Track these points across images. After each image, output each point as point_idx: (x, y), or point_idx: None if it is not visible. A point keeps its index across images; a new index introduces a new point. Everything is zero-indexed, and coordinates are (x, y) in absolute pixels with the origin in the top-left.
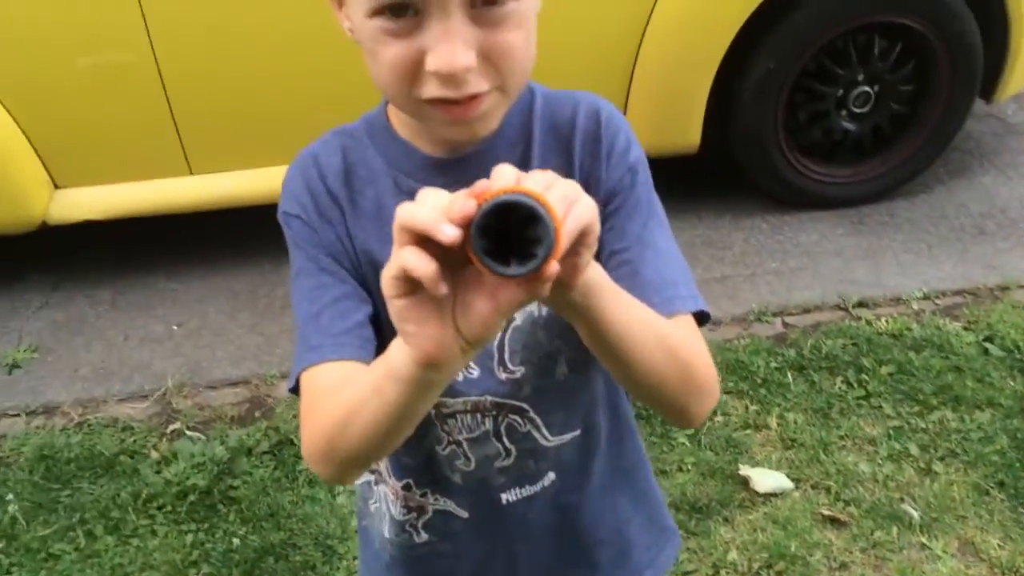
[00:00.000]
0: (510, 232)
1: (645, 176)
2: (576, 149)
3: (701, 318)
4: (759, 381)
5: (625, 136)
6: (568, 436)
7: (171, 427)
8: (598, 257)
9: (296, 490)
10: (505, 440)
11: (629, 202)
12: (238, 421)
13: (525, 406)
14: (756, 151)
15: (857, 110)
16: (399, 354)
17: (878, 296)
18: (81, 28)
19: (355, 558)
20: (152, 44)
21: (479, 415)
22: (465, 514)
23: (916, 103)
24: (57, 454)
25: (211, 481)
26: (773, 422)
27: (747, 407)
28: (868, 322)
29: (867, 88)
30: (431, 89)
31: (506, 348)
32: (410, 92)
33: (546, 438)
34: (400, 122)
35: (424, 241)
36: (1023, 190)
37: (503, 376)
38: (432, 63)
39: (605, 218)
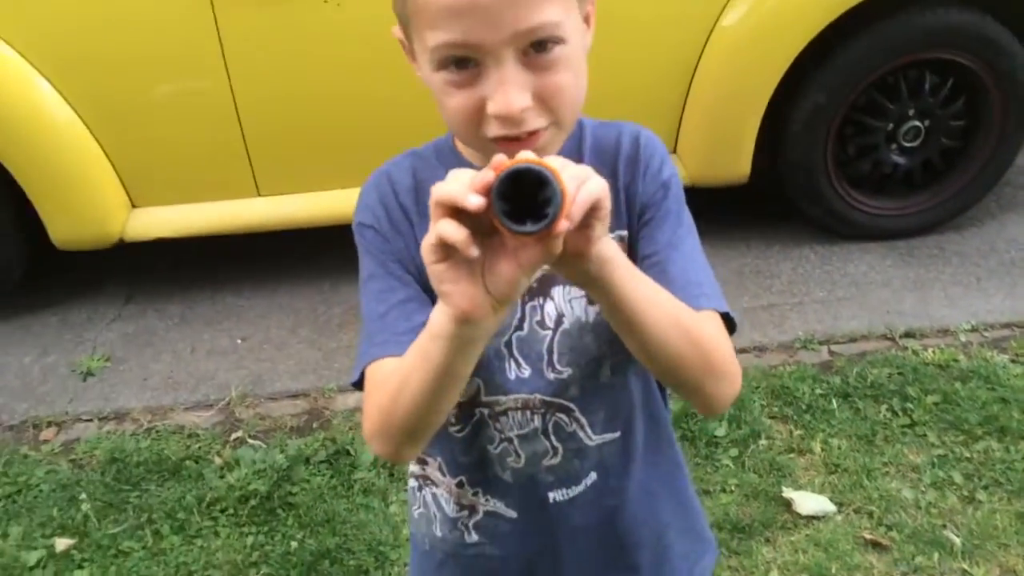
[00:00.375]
0: (527, 200)
1: (677, 192)
2: (620, 169)
3: (728, 325)
4: (804, 407)
5: (660, 157)
6: (609, 436)
7: (234, 435)
8: (634, 261)
9: (351, 498)
10: (552, 438)
11: (660, 213)
12: (297, 431)
13: (571, 405)
14: (806, 182)
15: (907, 144)
16: (439, 316)
17: (925, 327)
18: (162, 56)
19: (406, 564)
20: (228, 73)
21: (529, 412)
22: (514, 514)
23: (967, 137)
24: (127, 457)
25: (271, 487)
26: (817, 447)
27: (791, 432)
28: (915, 352)
29: (917, 123)
30: (494, 129)
31: (555, 350)
32: (476, 132)
33: (589, 437)
34: (465, 148)
35: (456, 213)
36: None
37: (551, 376)
38: (492, 107)
39: (640, 227)
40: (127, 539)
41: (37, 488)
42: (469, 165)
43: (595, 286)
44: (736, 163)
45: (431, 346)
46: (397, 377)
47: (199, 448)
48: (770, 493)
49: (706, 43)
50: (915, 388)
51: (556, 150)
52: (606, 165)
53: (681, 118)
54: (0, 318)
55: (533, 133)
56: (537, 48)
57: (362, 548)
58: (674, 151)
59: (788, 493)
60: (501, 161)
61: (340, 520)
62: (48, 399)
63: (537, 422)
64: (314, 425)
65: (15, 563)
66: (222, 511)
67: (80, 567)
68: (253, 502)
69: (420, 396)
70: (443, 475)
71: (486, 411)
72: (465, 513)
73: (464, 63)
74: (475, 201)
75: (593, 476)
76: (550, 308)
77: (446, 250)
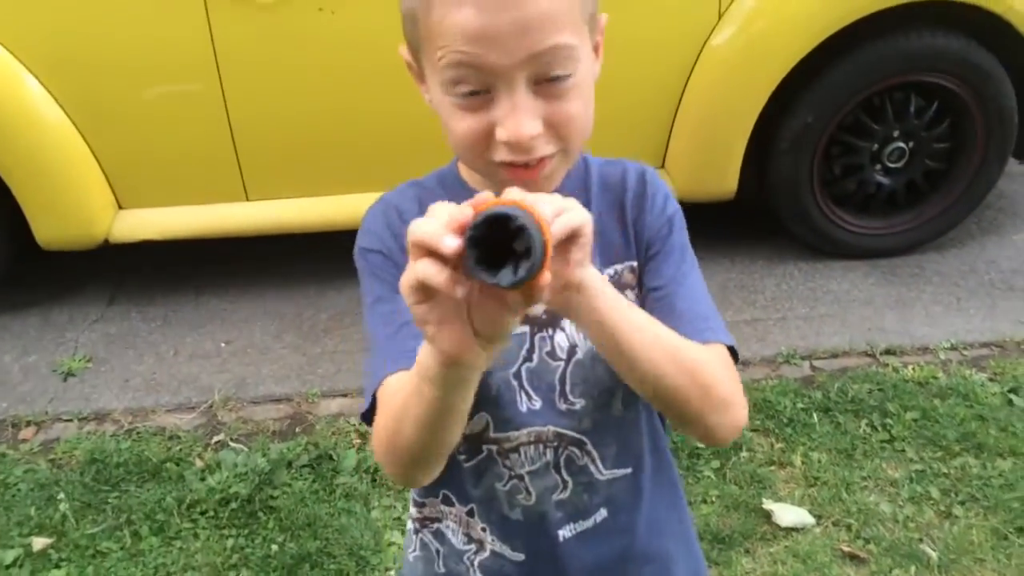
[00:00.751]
0: (508, 241)
1: (681, 227)
2: (627, 205)
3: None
4: (785, 420)
5: (664, 194)
6: (620, 472)
7: (215, 438)
8: (640, 295)
9: (333, 502)
10: (563, 472)
11: (666, 247)
12: (279, 435)
13: (584, 438)
14: (791, 200)
15: (892, 165)
16: (426, 357)
17: (906, 344)
18: (154, 58)
19: (387, 569)
20: (220, 77)
21: (541, 446)
22: (521, 556)
23: (951, 160)
24: (107, 458)
25: (252, 490)
26: (797, 460)
27: (772, 445)
28: (895, 369)
29: (902, 144)
30: (501, 154)
31: (568, 381)
32: (483, 156)
33: (600, 471)
34: (470, 175)
35: (434, 253)
36: None
37: (564, 408)
38: (502, 134)
39: (646, 261)
40: (105, 539)
41: (15, 487)
42: (475, 193)
43: (579, 314)
44: (723, 180)
45: (423, 386)
46: (397, 403)
47: (180, 450)
48: (750, 505)
49: (696, 62)
50: (895, 404)
51: (561, 177)
52: (614, 201)
53: (670, 134)
54: None
55: (541, 160)
56: (550, 80)
57: (343, 552)
58: (662, 166)
59: (768, 505)
60: (483, 200)
61: (321, 524)
62: (28, 398)
63: (549, 456)
64: (297, 429)
65: None
66: (202, 513)
67: (57, 567)
68: (234, 505)
69: (419, 430)
70: (450, 505)
71: (494, 448)
72: (473, 548)
73: (475, 91)
74: (451, 244)
75: (603, 512)
76: (560, 339)
77: (427, 291)
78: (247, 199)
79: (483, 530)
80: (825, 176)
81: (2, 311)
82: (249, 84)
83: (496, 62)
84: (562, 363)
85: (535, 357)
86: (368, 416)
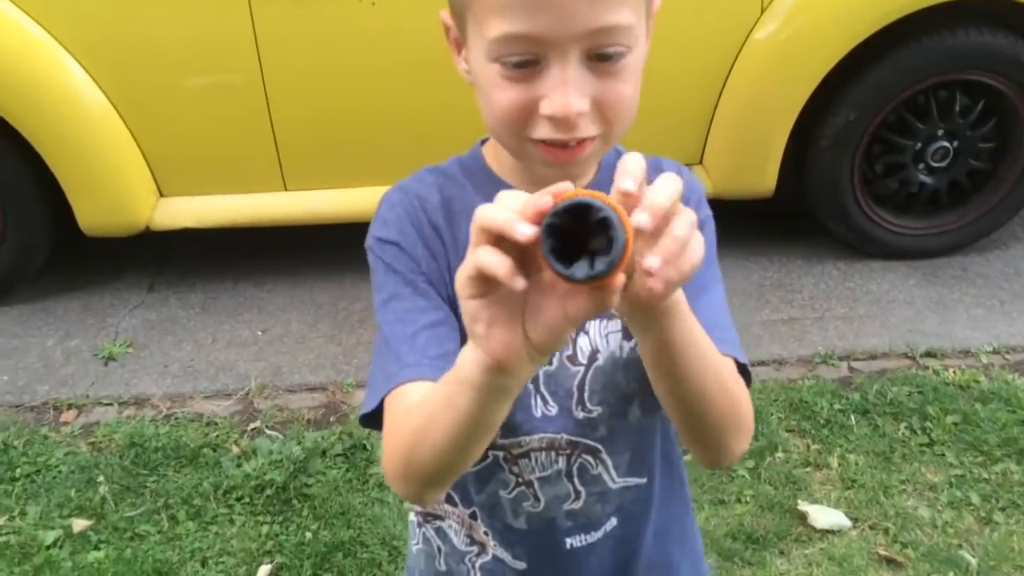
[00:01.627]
0: (582, 240)
1: (710, 234)
2: None
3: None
4: (822, 422)
5: (697, 198)
6: (633, 481)
7: (251, 425)
8: None
9: (366, 492)
10: (576, 481)
11: None
12: (314, 424)
13: (599, 446)
14: (831, 198)
15: (935, 164)
16: (469, 360)
17: (947, 347)
18: (197, 47)
19: None
20: (261, 67)
21: (553, 453)
22: (522, 565)
23: (996, 160)
24: (146, 443)
25: (287, 478)
26: (834, 462)
27: (808, 446)
28: (935, 372)
29: (946, 143)
30: (543, 131)
31: (586, 388)
32: (520, 132)
33: (613, 480)
34: (497, 163)
35: (500, 241)
36: None
37: (581, 415)
38: (548, 107)
39: None
40: (143, 523)
41: (56, 469)
42: (501, 183)
43: (650, 330)
44: (762, 177)
45: (457, 393)
46: (419, 416)
47: (217, 436)
48: (785, 505)
49: (737, 56)
50: (935, 407)
51: (594, 165)
52: None
53: (709, 129)
54: (25, 300)
55: (582, 142)
56: (603, 58)
57: (376, 542)
58: (700, 162)
59: (804, 506)
60: (561, 189)
61: (355, 513)
62: (69, 382)
63: (561, 464)
64: (331, 419)
65: (32, 542)
66: (238, 499)
67: (96, 548)
68: (269, 492)
69: (445, 444)
70: (454, 506)
71: (501, 454)
72: (475, 550)
73: (525, 62)
74: (525, 231)
75: (613, 522)
76: (583, 343)
77: (485, 284)
78: (285, 189)
79: (485, 534)
80: (866, 174)
81: (46, 296)
82: (290, 75)
83: (553, 31)
84: (582, 368)
85: (555, 361)
86: (369, 419)
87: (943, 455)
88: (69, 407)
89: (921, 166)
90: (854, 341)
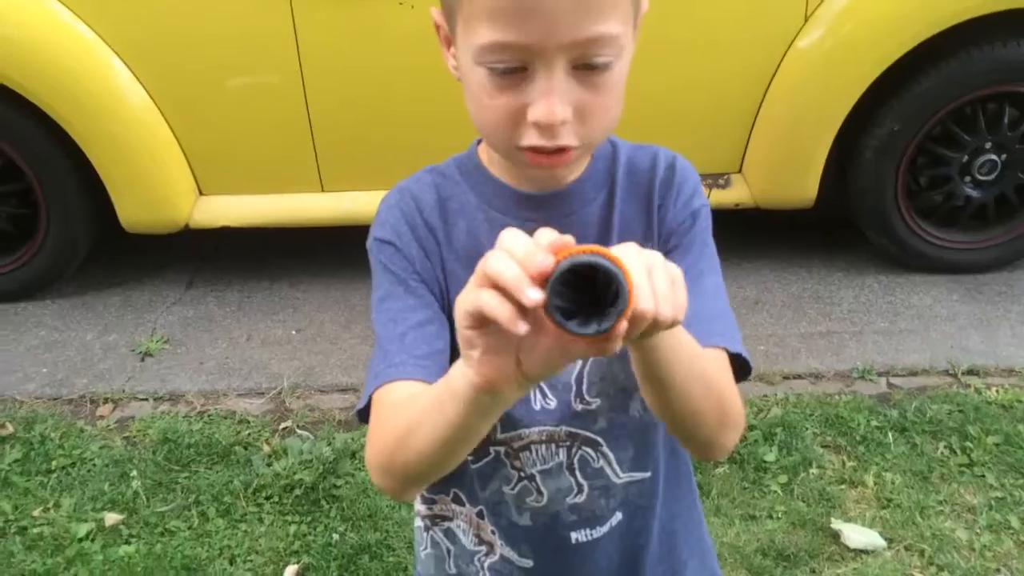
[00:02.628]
0: (583, 289)
1: (706, 223)
2: (655, 193)
3: (743, 367)
4: (858, 438)
5: (693, 185)
6: (638, 475)
7: (283, 424)
8: None
9: None
10: (578, 474)
11: (686, 241)
12: (345, 425)
13: (599, 439)
14: (874, 210)
15: (982, 177)
16: (460, 376)
17: (990, 365)
18: (238, 48)
19: None
20: (301, 69)
21: (553, 445)
22: (529, 562)
23: None
24: (179, 439)
25: (316, 478)
26: (870, 480)
27: (844, 463)
28: (977, 390)
29: (994, 156)
30: (529, 138)
31: (584, 380)
32: (508, 137)
33: (617, 475)
34: (492, 161)
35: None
36: None
37: (579, 407)
38: (533, 114)
39: (665, 255)
40: (174, 518)
41: (91, 462)
42: (495, 181)
43: (640, 349)
44: (803, 186)
45: (447, 403)
46: (406, 417)
47: (249, 435)
48: (818, 523)
49: (780, 63)
50: (976, 427)
51: (580, 170)
52: (640, 187)
53: (749, 138)
54: (66, 295)
55: (564, 150)
56: (589, 67)
57: (402, 545)
58: (739, 170)
59: (837, 524)
60: (564, 245)
61: (382, 516)
62: (107, 376)
63: (562, 456)
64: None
65: (65, 534)
66: (267, 498)
67: (127, 543)
68: (298, 492)
69: (429, 447)
70: (461, 505)
71: (502, 449)
72: (483, 549)
73: (512, 69)
74: (534, 297)
75: (619, 516)
76: None
77: (484, 320)
78: (323, 190)
79: (493, 533)
80: (910, 187)
81: (86, 291)
82: (329, 77)
83: (540, 41)
84: (580, 361)
85: None
86: (363, 415)
87: (983, 476)
88: (105, 401)
89: (967, 179)
90: (894, 356)
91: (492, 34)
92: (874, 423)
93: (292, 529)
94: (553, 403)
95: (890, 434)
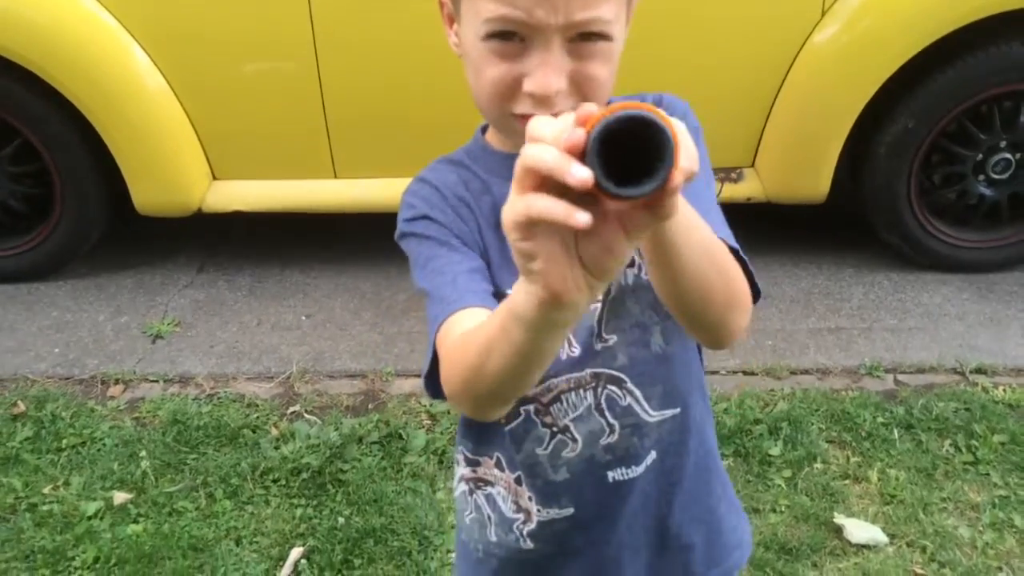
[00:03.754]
0: (620, 156)
1: (700, 141)
2: None
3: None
4: (864, 434)
5: (683, 109)
6: (669, 412)
7: (291, 409)
8: None
9: (400, 481)
10: (607, 415)
11: None
12: (352, 410)
13: (622, 376)
14: (886, 207)
15: (996, 176)
16: (523, 297)
17: (998, 364)
18: (254, 36)
19: (449, 551)
20: (317, 57)
21: (581, 390)
22: (570, 510)
23: None
24: (188, 420)
25: (323, 462)
26: (874, 476)
27: (848, 458)
28: (984, 389)
29: (1008, 155)
30: (524, 107)
31: (604, 320)
32: (503, 107)
33: (648, 413)
34: (498, 140)
35: (546, 180)
36: None
37: (599, 347)
38: (529, 85)
39: None
40: (182, 499)
41: (101, 442)
42: (504, 155)
43: (654, 233)
44: (815, 182)
45: (513, 328)
46: (476, 347)
47: (257, 418)
48: (821, 518)
49: (795, 58)
50: (982, 426)
51: None
52: None
53: (763, 132)
54: (79, 276)
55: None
56: (583, 38)
57: (407, 531)
58: (752, 165)
59: (840, 519)
60: (589, 113)
61: (387, 501)
62: (118, 357)
63: (590, 398)
64: (369, 406)
65: (74, 511)
66: (274, 481)
67: (135, 521)
68: (304, 475)
69: (503, 372)
70: (501, 470)
71: (531, 407)
72: (521, 517)
73: (511, 36)
74: (581, 175)
75: (653, 455)
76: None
77: (537, 226)
78: (335, 176)
79: (530, 499)
80: (923, 184)
81: (99, 272)
82: (344, 64)
83: (540, 19)
84: (599, 304)
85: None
86: (429, 382)
87: (987, 475)
88: (116, 382)
89: (981, 177)
90: (902, 354)
91: (496, 8)
92: (880, 419)
93: (298, 512)
94: (578, 350)
95: (895, 431)
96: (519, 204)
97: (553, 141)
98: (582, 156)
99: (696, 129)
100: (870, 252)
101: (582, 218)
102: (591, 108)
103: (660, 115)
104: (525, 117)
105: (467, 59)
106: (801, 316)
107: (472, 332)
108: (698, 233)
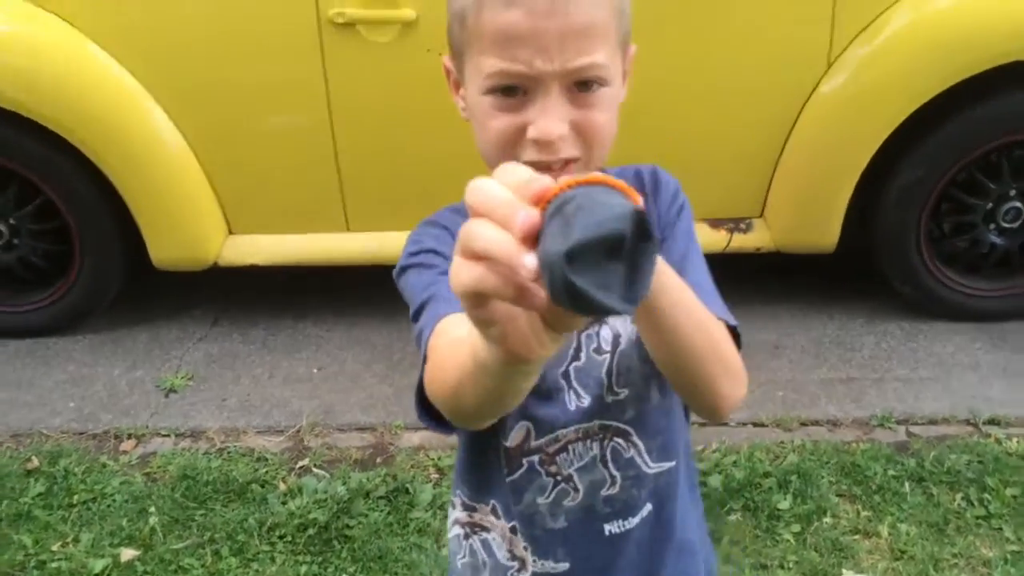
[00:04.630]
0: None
1: (688, 215)
2: (647, 198)
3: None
4: (874, 487)
5: (674, 186)
6: (666, 465)
7: (300, 463)
8: None
9: (406, 536)
10: (611, 466)
11: (675, 231)
12: (361, 464)
13: (629, 428)
14: (897, 256)
15: (1007, 225)
16: (486, 353)
17: (1011, 416)
18: (270, 90)
19: None
20: (331, 112)
21: (588, 440)
22: (566, 565)
23: None
24: (198, 475)
25: (330, 518)
26: (884, 531)
27: (859, 512)
28: (998, 441)
29: (1018, 204)
30: (530, 154)
31: (615, 371)
32: (510, 155)
33: (648, 465)
34: None
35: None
36: None
37: (610, 399)
38: (533, 132)
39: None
40: (188, 556)
41: (111, 497)
42: None
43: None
44: (825, 231)
45: (481, 373)
46: (455, 373)
47: (266, 472)
48: (830, 573)
49: (803, 108)
50: (995, 479)
51: None
52: None
53: (771, 182)
54: (96, 330)
55: (567, 163)
56: (581, 87)
57: None
58: (760, 215)
59: (849, 575)
60: (546, 188)
61: (393, 558)
62: (131, 412)
63: (596, 449)
64: (378, 460)
65: (82, 569)
66: (280, 537)
67: None
68: (311, 531)
69: (481, 403)
70: (497, 518)
71: (536, 458)
72: (515, 565)
73: (513, 90)
74: (532, 267)
75: (649, 507)
76: (605, 332)
77: (488, 297)
78: (348, 230)
79: (525, 549)
80: (933, 233)
81: (116, 327)
82: (357, 120)
83: (537, 68)
84: (608, 356)
85: (583, 356)
86: (423, 408)
87: (1000, 529)
88: (129, 436)
89: (992, 226)
90: (914, 404)
91: (498, 64)
92: (891, 472)
93: (303, 569)
94: (587, 401)
95: (907, 484)
96: (465, 276)
97: (503, 218)
98: (536, 238)
99: (682, 206)
100: (881, 301)
101: (538, 298)
102: (546, 183)
103: (633, 195)
104: (532, 165)
105: (473, 117)
106: (812, 366)
107: (454, 347)
108: (687, 301)
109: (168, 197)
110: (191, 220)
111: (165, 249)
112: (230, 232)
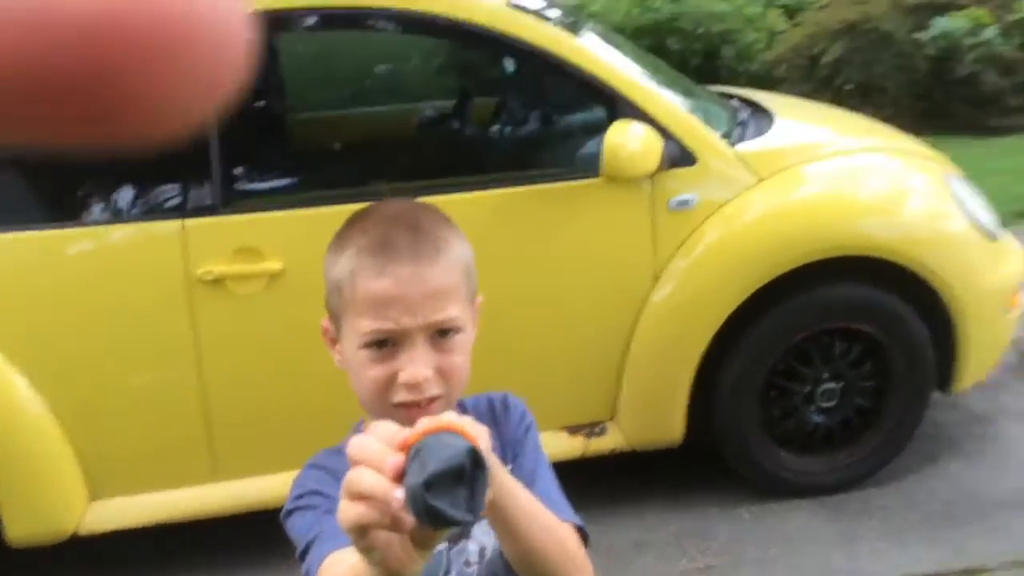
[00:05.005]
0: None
1: (535, 432)
2: (498, 421)
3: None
4: None
5: (521, 410)
6: None
7: None
8: None
9: None
10: None
11: (524, 449)
12: None
13: None
14: (736, 443)
15: (824, 405)
16: (368, 574)
17: None
18: (138, 350)
19: None
20: (201, 368)
21: None
22: None
23: (880, 397)
24: None
25: None
26: None
27: None
28: None
29: (833, 384)
30: (401, 395)
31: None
32: (384, 398)
33: None
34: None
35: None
36: (987, 476)
37: None
38: (403, 376)
39: (510, 461)
40: None
41: None
42: None
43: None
44: (670, 427)
45: None
46: None
47: None
48: None
49: (638, 318)
50: None
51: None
52: (487, 422)
53: (619, 386)
54: None
55: (432, 400)
56: (442, 334)
57: None
58: (612, 418)
59: None
60: (405, 438)
61: None
62: None
63: None
64: None
65: None
66: None
67: None
68: None
69: None
70: None
71: None
72: None
73: (384, 343)
74: (400, 496)
75: None
76: (472, 547)
77: (368, 529)
78: (216, 480)
79: None
80: (766, 419)
81: None
82: (228, 371)
83: (404, 324)
84: (476, 567)
85: (454, 569)
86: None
87: None
88: None
89: (812, 407)
90: None
91: (371, 323)
92: None
93: None
94: None
95: None
96: (352, 513)
97: (378, 464)
98: (402, 476)
99: (529, 425)
100: (731, 488)
101: (407, 525)
102: (406, 433)
103: (470, 436)
104: (404, 405)
105: (350, 368)
106: (673, 559)
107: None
108: (533, 509)
109: (27, 467)
110: (45, 491)
111: (22, 524)
112: (92, 498)
